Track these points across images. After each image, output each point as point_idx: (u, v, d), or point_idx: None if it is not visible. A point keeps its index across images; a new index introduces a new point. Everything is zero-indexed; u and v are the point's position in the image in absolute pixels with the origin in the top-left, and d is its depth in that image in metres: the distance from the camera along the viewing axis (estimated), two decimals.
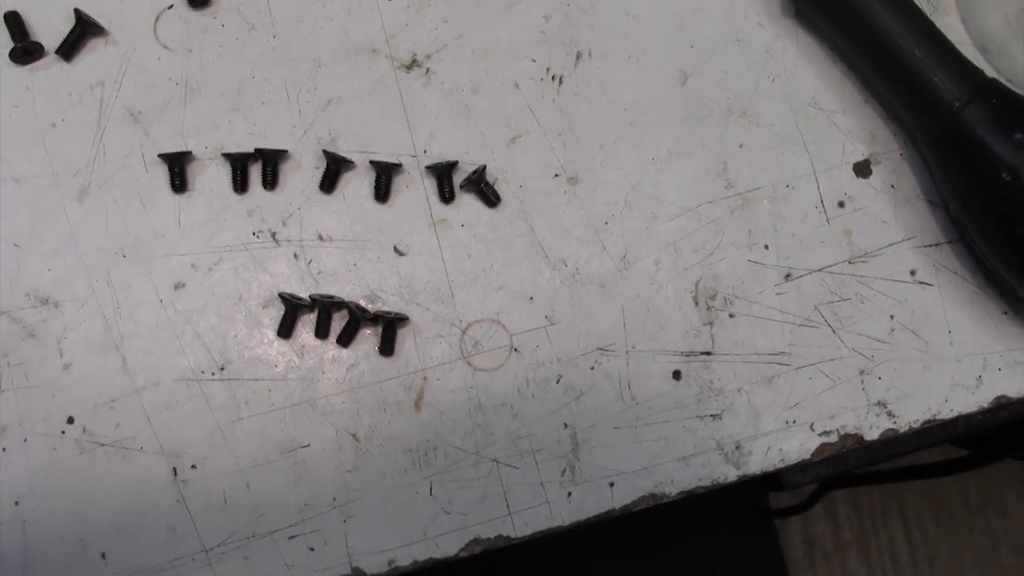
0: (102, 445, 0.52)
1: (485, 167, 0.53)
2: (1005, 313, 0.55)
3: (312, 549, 0.52)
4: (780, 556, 1.38)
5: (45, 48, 0.53)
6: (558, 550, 1.27)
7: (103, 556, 0.52)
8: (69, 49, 0.52)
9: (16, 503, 0.51)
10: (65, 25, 0.52)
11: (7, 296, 0.52)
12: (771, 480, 0.62)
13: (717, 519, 1.33)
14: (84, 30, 0.52)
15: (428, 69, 0.53)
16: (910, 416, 0.55)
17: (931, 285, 0.55)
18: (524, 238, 0.53)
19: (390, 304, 0.53)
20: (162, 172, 0.52)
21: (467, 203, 0.53)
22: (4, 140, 0.52)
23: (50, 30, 0.53)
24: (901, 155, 0.55)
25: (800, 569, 1.42)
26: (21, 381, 0.52)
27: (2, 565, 0.51)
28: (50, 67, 0.53)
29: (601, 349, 0.53)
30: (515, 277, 0.53)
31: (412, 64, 0.53)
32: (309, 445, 0.52)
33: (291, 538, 0.52)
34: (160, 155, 0.52)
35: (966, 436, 0.82)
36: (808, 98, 0.55)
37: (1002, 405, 0.56)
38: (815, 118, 0.55)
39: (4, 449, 0.52)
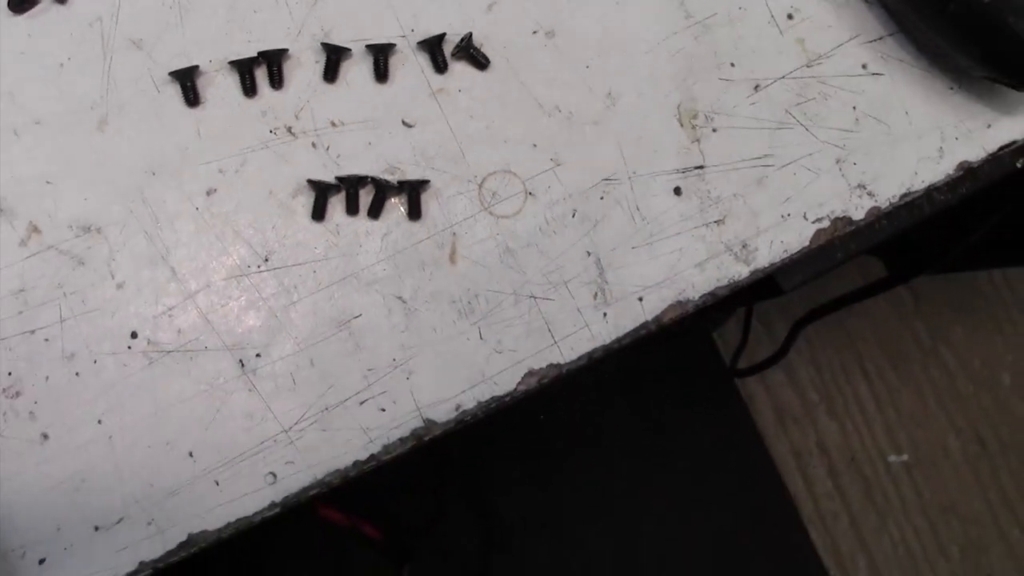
0: (168, 352, 0.52)
1: (471, 34, 0.54)
2: (951, 89, 0.59)
3: (383, 410, 0.53)
4: (754, 429, 1.41)
5: None
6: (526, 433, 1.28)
7: (191, 455, 0.52)
8: None
9: (99, 421, 0.51)
10: None
11: (50, 231, 0.52)
12: (771, 287, 0.64)
13: (687, 408, 1.36)
14: None
15: None
16: (888, 192, 0.58)
17: (882, 75, 0.58)
18: (517, 93, 0.55)
19: (409, 172, 0.54)
20: (174, 90, 0.53)
21: (460, 70, 0.55)
22: (17, 87, 0.52)
23: None
24: None
25: (775, 437, 1.45)
26: (80, 307, 0.52)
27: (99, 479, 0.51)
28: (47, 11, 0.53)
29: (606, 180, 0.55)
30: (516, 129, 0.55)
31: None
32: (361, 315, 0.53)
33: (362, 403, 0.53)
34: (170, 73, 0.52)
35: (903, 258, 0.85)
36: None
37: (966, 171, 0.59)
38: None
39: (77, 374, 0.51)
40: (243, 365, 0.52)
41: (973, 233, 0.77)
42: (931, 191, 0.59)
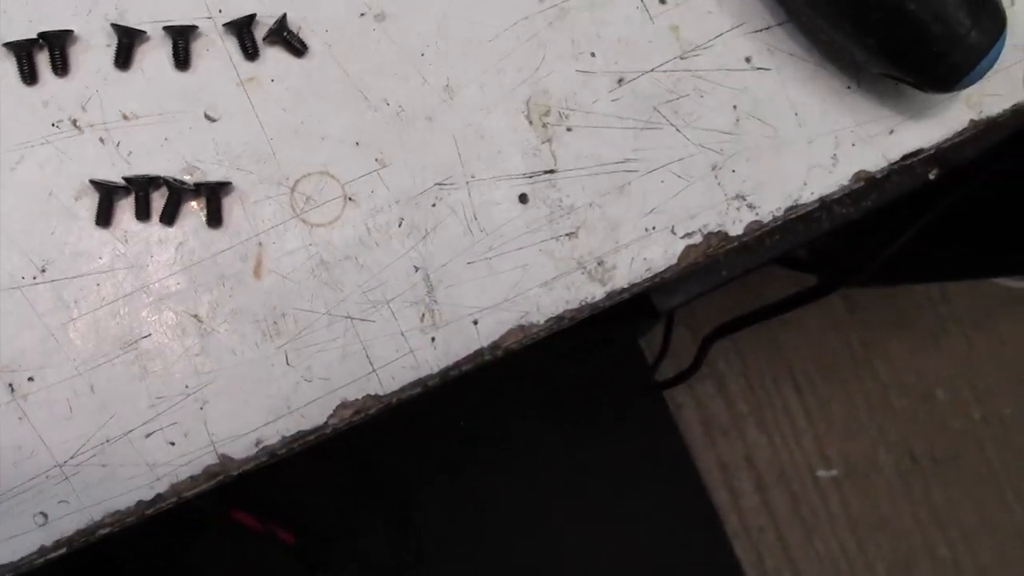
0: None
1: (285, 16, 0.47)
2: (848, 88, 0.51)
3: (172, 444, 0.46)
4: (681, 441, 1.35)
5: None
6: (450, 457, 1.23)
7: None
8: None
9: None
10: None
11: None
12: (645, 307, 0.57)
13: (612, 418, 1.30)
14: None
15: None
16: (771, 205, 0.50)
17: (768, 70, 0.50)
18: (339, 83, 0.48)
19: (210, 173, 0.47)
20: None
21: (273, 57, 0.47)
22: None
23: None
24: None
25: (703, 449, 1.39)
26: None
27: None
28: None
29: (439, 184, 0.48)
30: (337, 125, 0.47)
31: None
32: (149, 335, 0.46)
33: (148, 436, 0.46)
34: None
35: (825, 263, 0.78)
36: None
37: (863, 186, 0.52)
38: None
39: None
40: (13, 390, 0.45)
41: (890, 247, 0.69)
42: (828, 203, 0.51)
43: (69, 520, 0.45)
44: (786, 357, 1.43)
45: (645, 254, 0.48)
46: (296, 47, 0.47)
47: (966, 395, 1.46)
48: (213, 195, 0.46)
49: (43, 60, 0.46)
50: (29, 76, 0.46)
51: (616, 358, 1.27)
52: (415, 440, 1.18)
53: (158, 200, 0.46)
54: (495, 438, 1.26)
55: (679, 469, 1.34)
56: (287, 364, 0.46)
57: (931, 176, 0.54)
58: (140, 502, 0.45)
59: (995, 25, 0.46)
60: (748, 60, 0.50)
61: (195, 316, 0.46)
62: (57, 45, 0.46)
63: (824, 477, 1.41)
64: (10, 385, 0.45)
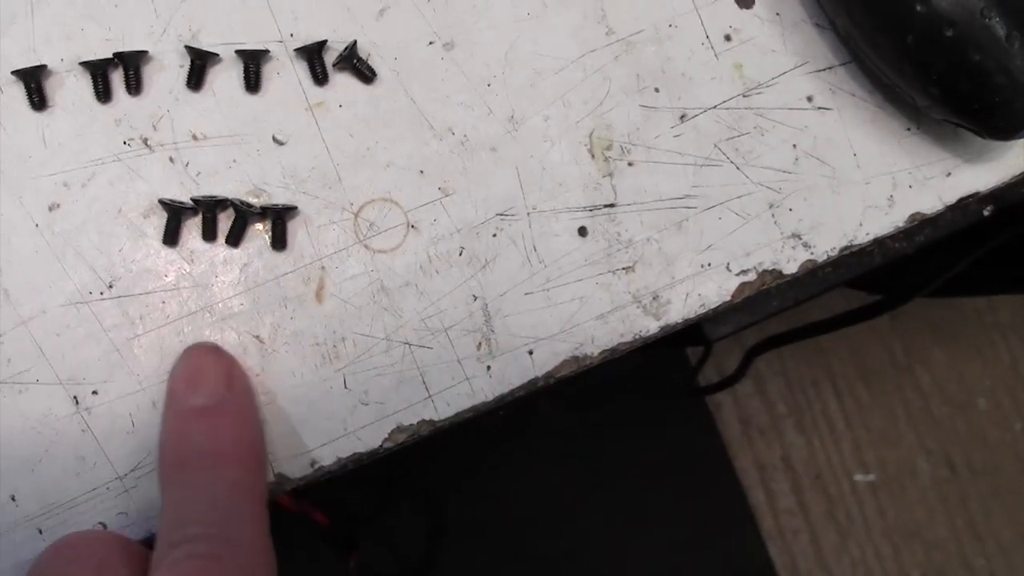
0: None
1: (356, 42, 0.47)
2: (908, 130, 0.51)
3: None
4: (719, 439, 1.35)
5: None
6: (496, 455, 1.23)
7: (13, 498, 0.46)
8: None
9: None
10: None
11: None
12: (694, 336, 0.57)
13: (651, 414, 1.30)
14: None
15: None
16: (826, 245, 0.50)
17: (830, 109, 0.51)
18: (406, 111, 0.48)
19: (276, 196, 0.47)
20: (18, 91, 0.46)
21: (342, 82, 0.48)
22: None
23: None
24: None
25: (740, 448, 1.38)
26: None
27: None
28: None
29: (501, 215, 0.48)
30: (402, 152, 0.48)
31: None
32: None
33: None
34: (13, 72, 0.46)
35: (874, 279, 0.78)
36: None
37: (917, 224, 0.52)
38: None
39: None
40: (77, 402, 0.46)
41: (948, 272, 0.69)
42: (881, 239, 0.51)
43: (127, 532, 0.46)
44: (826, 361, 1.42)
45: (700, 290, 0.48)
46: (365, 74, 0.47)
47: (1008, 406, 1.45)
48: (279, 218, 0.46)
49: (117, 79, 0.47)
50: (103, 94, 0.46)
51: (658, 356, 1.27)
52: (447, 428, 1.18)
53: (224, 221, 0.46)
54: (529, 428, 1.26)
55: (716, 467, 1.35)
56: (345, 387, 0.47)
57: (985, 213, 0.54)
58: None
59: None
60: (810, 99, 0.50)
61: (257, 337, 0.46)
62: (132, 65, 0.46)
63: (861, 481, 1.41)
64: (75, 397, 0.46)
